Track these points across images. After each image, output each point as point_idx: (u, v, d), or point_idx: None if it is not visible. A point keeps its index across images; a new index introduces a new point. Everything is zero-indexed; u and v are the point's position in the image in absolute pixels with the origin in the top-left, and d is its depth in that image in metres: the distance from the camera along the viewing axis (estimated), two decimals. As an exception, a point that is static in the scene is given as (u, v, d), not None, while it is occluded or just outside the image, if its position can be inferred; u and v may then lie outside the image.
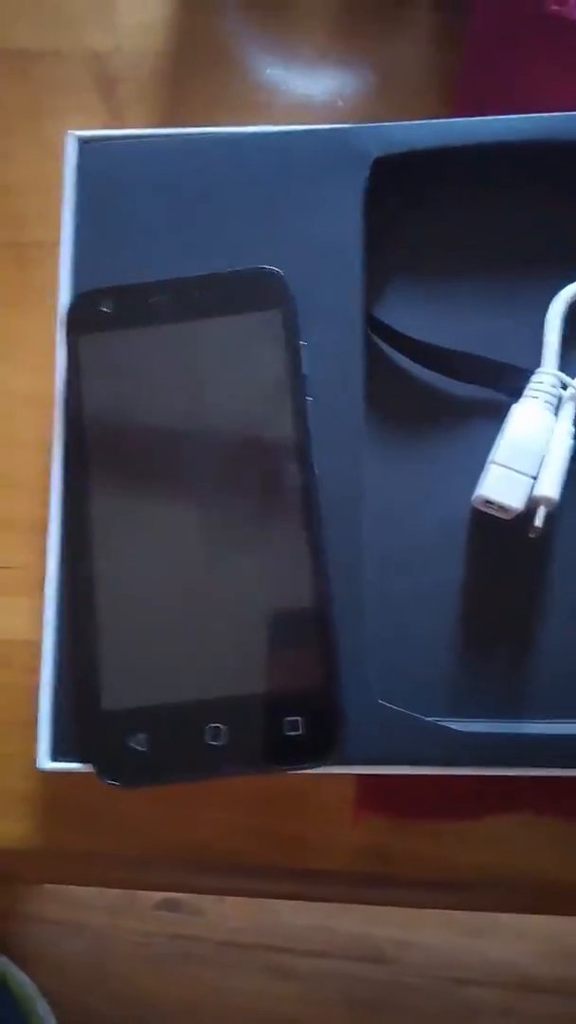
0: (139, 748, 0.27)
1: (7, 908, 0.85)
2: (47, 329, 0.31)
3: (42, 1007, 0.78)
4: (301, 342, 0.30)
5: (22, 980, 0.79)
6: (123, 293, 0.31)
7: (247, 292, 0.30)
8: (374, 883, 0.31)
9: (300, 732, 0.27)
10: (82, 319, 0.31)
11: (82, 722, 0.28)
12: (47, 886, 0.85)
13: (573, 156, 0.31)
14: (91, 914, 0.84)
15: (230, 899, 0.84)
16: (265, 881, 0.32)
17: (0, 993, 0.77)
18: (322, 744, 0.27)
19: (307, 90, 0.36)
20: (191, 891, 0.33)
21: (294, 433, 0.29)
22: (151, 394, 0.30)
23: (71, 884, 0.36)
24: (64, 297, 0.31)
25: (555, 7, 0.34)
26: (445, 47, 0.36)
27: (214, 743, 0.27)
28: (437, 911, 0.82)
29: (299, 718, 0.27)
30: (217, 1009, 0.81)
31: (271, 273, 0.30)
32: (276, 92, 0.37)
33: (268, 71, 0.37)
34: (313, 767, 0.27)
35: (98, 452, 0.30)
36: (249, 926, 0.83)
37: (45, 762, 0.28)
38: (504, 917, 0.82)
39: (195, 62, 0.37)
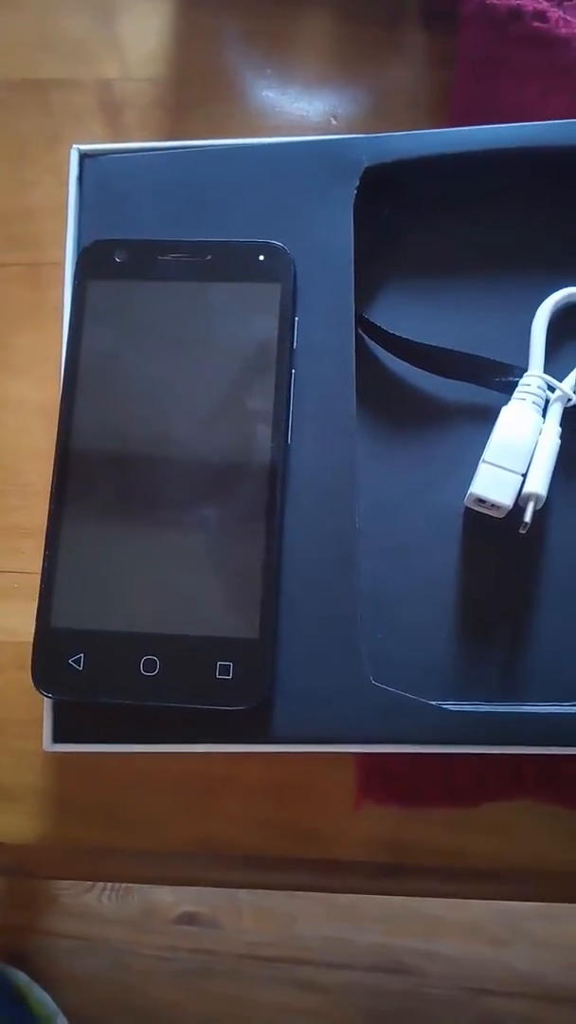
0: (76, 666, 0.28)
1: (27, 925, 0.84)
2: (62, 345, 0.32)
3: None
4: (295, 317, 0.30)
5: (43, 997, 0.78)
6: (136, 246, 0.31)
7: (253, 263, 0.31)
8: (387, 873, 0.32)
9: (229, 677, 0.28)
10: (94, 264, 0.31)
11: (34, 637, 0.29)
12: (66, 901, 0.84)
13: (556, 164, 0.31)
14: (111, 929, 0.83)
15: (247, 911, 0.83)
16: (280, 874, 0.32)
17: (21, 1011, 0.77)
18: (248, 692, 0.28)
19: (303, 111, 0.36)
20: (206, 884, 0.34)
21: (274, 399, 0.29)
22: (146, 344, 0.30)
23: (86, 880, 0.37)
24: (69, 301, 0.31)
25: (537, 24, 0.33)
26: (436, 65, 0.36)
27: (147, 674, 0.28)
28: (457, 919, 0.82)
29: (231, 664, 0.28)
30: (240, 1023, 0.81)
31: (278, 248, 0.31)
32: (273, 114, 0.37)
33: (265, 95, 0.37)
34: (236, 710, 0.28)
35: (85, 395, 0.30)
36: (268, 939, 0.82)
37: (49, 745, 0.29)
38: (525, 926, 0.82)
39: (195, 89, 0.37)
